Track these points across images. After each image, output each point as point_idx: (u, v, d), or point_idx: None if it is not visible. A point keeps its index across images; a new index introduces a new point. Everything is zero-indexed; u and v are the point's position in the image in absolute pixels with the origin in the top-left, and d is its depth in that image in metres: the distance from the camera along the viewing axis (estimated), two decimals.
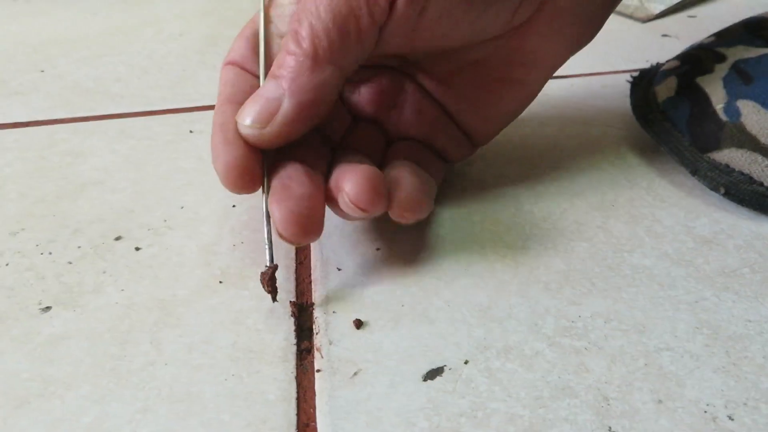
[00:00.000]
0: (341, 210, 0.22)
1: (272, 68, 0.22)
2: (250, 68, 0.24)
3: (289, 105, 0.21)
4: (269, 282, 0.22)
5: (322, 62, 0.21)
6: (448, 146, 0.27)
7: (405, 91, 0.26)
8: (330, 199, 0.22)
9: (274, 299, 0.22)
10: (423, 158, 0.26)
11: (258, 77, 0.24)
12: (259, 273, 0.22)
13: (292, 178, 0.21)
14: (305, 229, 0.21)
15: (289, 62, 0.21)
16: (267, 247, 0.22)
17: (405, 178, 0.23)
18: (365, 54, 0.22)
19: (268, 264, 0.22)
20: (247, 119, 0.21)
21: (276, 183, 0.22)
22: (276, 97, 0.21)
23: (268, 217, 0.22)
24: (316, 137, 0.24)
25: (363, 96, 0.27)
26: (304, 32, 0.21)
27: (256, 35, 0.25)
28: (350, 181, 0.21)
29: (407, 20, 0.21)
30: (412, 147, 0.26)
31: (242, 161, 0.21)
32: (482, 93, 0.26)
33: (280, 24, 0.24)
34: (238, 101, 0.22)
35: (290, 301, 0.23)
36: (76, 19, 0.49)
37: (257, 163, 0.22)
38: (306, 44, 0.21)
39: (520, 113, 0.27)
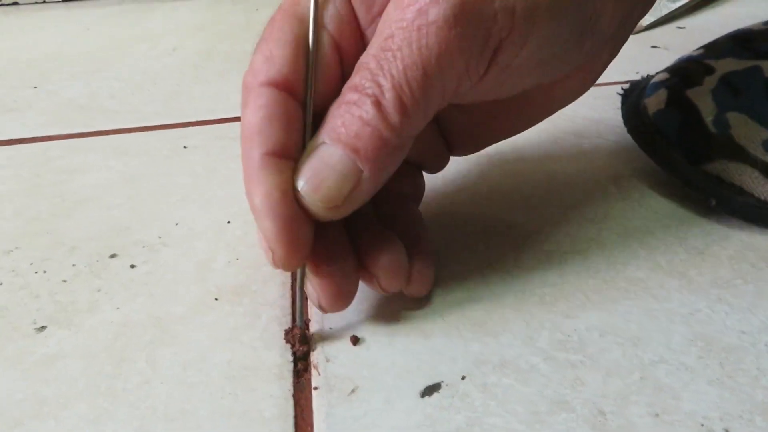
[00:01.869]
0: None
1: (339, 132, 0.18)
2: (299, 92, 0.19)
3: (372, 183, 0.18)
4: (300, 341, 0.21)
5: (406, 138, 0.19)
6: (428, 159, 0.26)
7: None
8: (363, 278, 0.21)
9: (302, 360, 0.21)
10: (407, 176, 0.25)
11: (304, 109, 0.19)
12: (283, 331, 0.22)
13: (329, 249, 0.20)
14: (346, 302, 0.21)
15: (369, 134, 0.18)
16: (298, 307, 0.22)
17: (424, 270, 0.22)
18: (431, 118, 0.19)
19: (294, 325, 0.22)
20: (319, 195, 0.18)
21: (316, 254, 0.20)
22: (354, 173, 0.18)
23: (302, 280, 0.21)
24: None
25: None
26: (391, 104, 0.18)
27: (306, 46, 0.19)
28: (381, 269, 0.21)
29: (489, 85, 0.19)
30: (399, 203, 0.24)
31: (304, 239, 0.19)
32: (484, 118, 0.24)
33: (334, 28, 0.20)
34: (289, 153, 0.19)
35: (285, 330, 0.22)
36: (69, 35, 0.49)
37: (311, 238, 0.19)
38: (395, 119, 0.18)
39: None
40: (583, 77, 0.22)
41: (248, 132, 0.19)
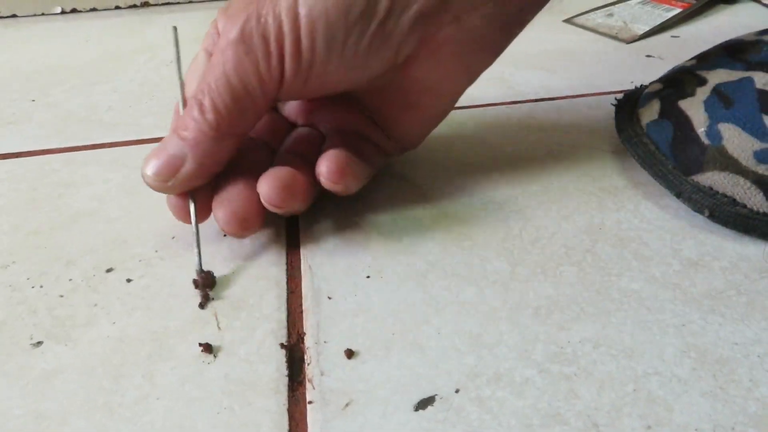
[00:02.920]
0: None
1: (177, 126, 0.24)
2: None
3: (191, 166, 0.24)
4: (203, 287, 0.25)
5: (223, 133, 0.24)
6: (382, 142, 0.29)
7: (333, 98, 0.29)
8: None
9: (203, 306, 0.24)
10: (357, 145, 0.27)
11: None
12: (192, 280, 0.25)
13: (230, 187, 0.25)
14: (243, 225, 0.25)
15: (193, 127, 0.24)
16: (197, 254, 0.25)
17: (329, 152, 0.25)
18: (261, 116, 0.26)
19: (198, 270, 0.25)
20: (150, 171, 0.24)
21: (219, 193, 0.25)
22: (179, 155, 0.24)
23: (197, 227, 0.25)
24: (257, 144, 0.28)
25: (294, 106, 0.30)
26: (207, 105, 0.23)
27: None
28: (263, 184, 0.24)
29: (296, 87, 0.24)
30: (346, 136, 0.28)
31: (180, 202, 0.26)
32: (394, 112, 0.28)
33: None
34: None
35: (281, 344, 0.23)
36: (68, 47, 0.50)
37: (186, 197, 0.26)
38: (210, 116, 0.23)
39: (438, 125, 0.30)
40: (437, 58, 0.26)
41: None
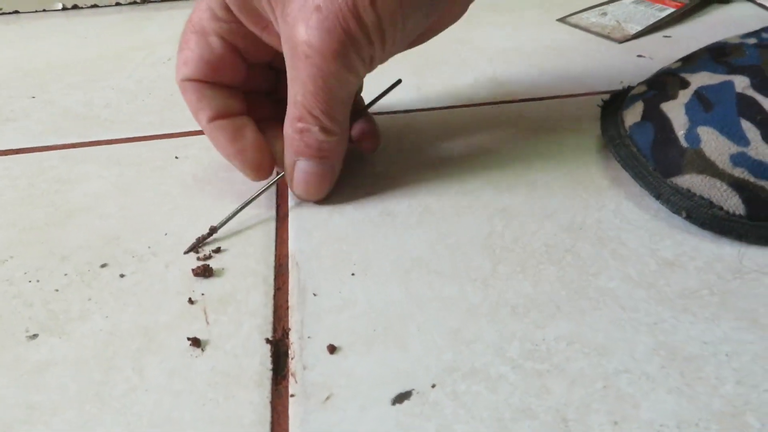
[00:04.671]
0: None
1: (304, 153, 0.27)
2: (211, 80, 0.29)
3: (338, 168, 0.29)
4: (200, 241, 0.28)
5: (344, 128, 0.28)
6: None
7: None
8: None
9: (187, 251, 0.27)
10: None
11: (232, 89, 0.29)
12: (199, 236, 0.28)
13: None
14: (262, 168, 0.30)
15: (327, 147, 0.27)
16: (229, 216, 0.28)
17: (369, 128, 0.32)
18: None
19: (214, 226, 0.28)
20: (321, 194, 0.29)
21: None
22: (329, 170, 0.29)
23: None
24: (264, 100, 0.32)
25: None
26: (328, 124, 0.26)
27: (209, 50, 0.28)
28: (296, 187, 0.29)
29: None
30: None
31: (264, 158, 0.30)
32: (399, 50, 0.29)
33: (226, 34, 0.28)
34: (222, 114, 0.29)
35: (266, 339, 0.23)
36: (67, 45, 0.50)
37: (270, 153, 0.30)
38: (335, 129, 0.27)
39: None
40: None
41: (192, 109, 0.29)
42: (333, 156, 0.28)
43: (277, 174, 0.30)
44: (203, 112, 0.28)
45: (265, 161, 0.29)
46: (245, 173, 0.29)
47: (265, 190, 0.29)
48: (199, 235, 0.28)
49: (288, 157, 0.28)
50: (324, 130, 0.26)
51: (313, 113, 0.26)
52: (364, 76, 0.27)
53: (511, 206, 0.29)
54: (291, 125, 0.27)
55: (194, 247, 0.27)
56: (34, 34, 0.53)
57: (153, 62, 0.47)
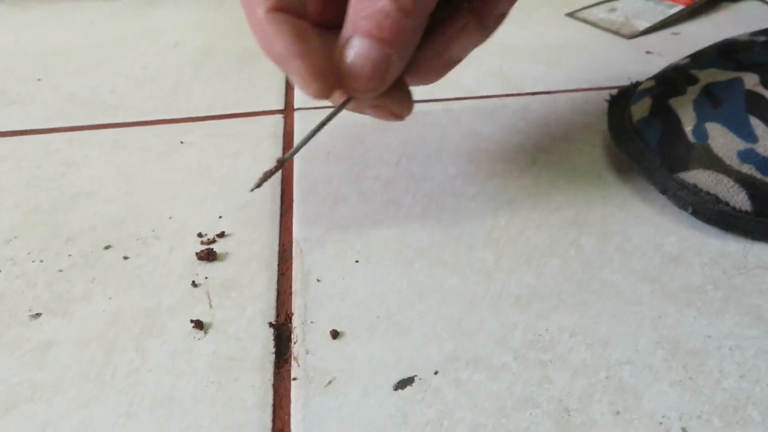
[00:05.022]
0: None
1: (362, 26, 0.21)
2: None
3: (399, 63, 0.22)
4: (267, 176, 0.24)
5: (421, 18, 0.21)
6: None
7: None
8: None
9: (253, 188, 0.25)
10: None
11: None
12: (270, 168, 0.25)
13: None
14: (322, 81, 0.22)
15: (390, 25, 0.21)
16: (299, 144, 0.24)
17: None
18: None
19: (281, 158, 0.25)
20: (360, 84, 0.22)
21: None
22: (383, 58, 0.21)
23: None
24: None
25: None
26: None
27: None
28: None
29: None
30: None
31: (329, 67, 0.22)
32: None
33: None
34: (288, 8, 0.22)
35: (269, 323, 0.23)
36: (73, 29, 0.50)
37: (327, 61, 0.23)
38: (407, 5, 0.21)
39: None
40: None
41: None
42: (396, 44, 0.21)
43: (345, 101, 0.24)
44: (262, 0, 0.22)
45: (332, 73, 0.22)
46: (305, 83, 0.22)
47: (332, 116, 0.24)
48: (266, 170, 0.25)
49: (344, 31, 0.22)
50: (404, 6, 0.21)
51: None
52: None
53: (516, 199, 0.29)
54: None
55: (261, 183, 0.25)
56: (40, 18, 0.53)
57: (159, 49, 0.47)
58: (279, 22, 0.22)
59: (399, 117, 0.25)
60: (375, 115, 0.25)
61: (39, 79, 0.42)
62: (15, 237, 0.27)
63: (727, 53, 0.30)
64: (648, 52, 0.44)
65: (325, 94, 0.22)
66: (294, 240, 0.27)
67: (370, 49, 0.21)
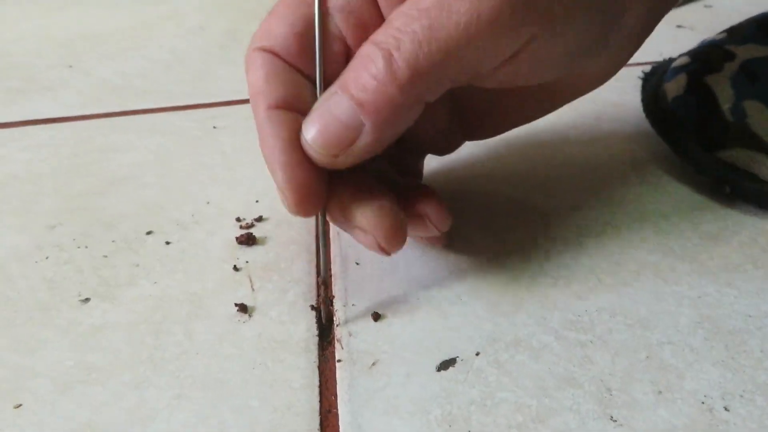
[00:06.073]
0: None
1: (348, 84, 0.19)
2: (294, 62, 0.20)
3: (372, 138, 0.19)
4: (322, 301, 0.23)
5: (415, 98, 0.18)
6: (438, 140, 0.25)
7: None
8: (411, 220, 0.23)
9: (320, 321, 0.23)
10: (401, 160, 0.25)
11: (315, 82, 0.20)
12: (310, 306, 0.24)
13: (372, 189, 0.21)
14: (402, 236, 0.21)
15: (374, 88, 0.18)
16: (322, 260, 0.23)
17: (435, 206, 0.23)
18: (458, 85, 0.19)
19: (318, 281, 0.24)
20: (315, 141, 0.19)
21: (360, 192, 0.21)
22: (355, 125, 0.19)
23: (323, 229, 0.23)
24: None
25: None
26: (403, 56, 0.17)
27: (304, 23, 0.20)
28: (433, 209, 0.23)
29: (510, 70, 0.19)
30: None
31: (314, 185, 0.20)
32: (505, 103, 0.24)
33: (340, 19, 0.20)
34: (290, 105, 0.20)
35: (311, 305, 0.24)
36: (99, 14, 0.51)
37: (324, 183, 0.20)
38: (402, 76, 0.18)
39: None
40: (606, 67, 0.23)
41: (253, 91, 0.20)
42: (373, 114, 0.18)
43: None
44: (264, 96, 0.20)
45: (317, 192, 0.20)
46: (284, 196, 0.20)
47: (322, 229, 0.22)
48: (322, 305, 0.23)
49: (331, 86, 0.19)
50: (390, 63, 0.18)
51: (392, 35, 0.18)
52: (469, 71, 0.19)
53: (548, 180, 0.29)
54: (366, 44, 0.19)
55: (329, 313, 0.23)
56: (65, 3, 0.53)
57: (184, 32, 0.47)
58: (277, 121, 0.20)
59: (386, 251, 0.21)
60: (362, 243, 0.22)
61: (70, 66, 0.42)
62: (60, 223, 0.28)
63: (765, 27, 0.30)
64: (679, 26, 0.44)
65: (302, 212, 0.20)
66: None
67: (346, 109, 0.18)
